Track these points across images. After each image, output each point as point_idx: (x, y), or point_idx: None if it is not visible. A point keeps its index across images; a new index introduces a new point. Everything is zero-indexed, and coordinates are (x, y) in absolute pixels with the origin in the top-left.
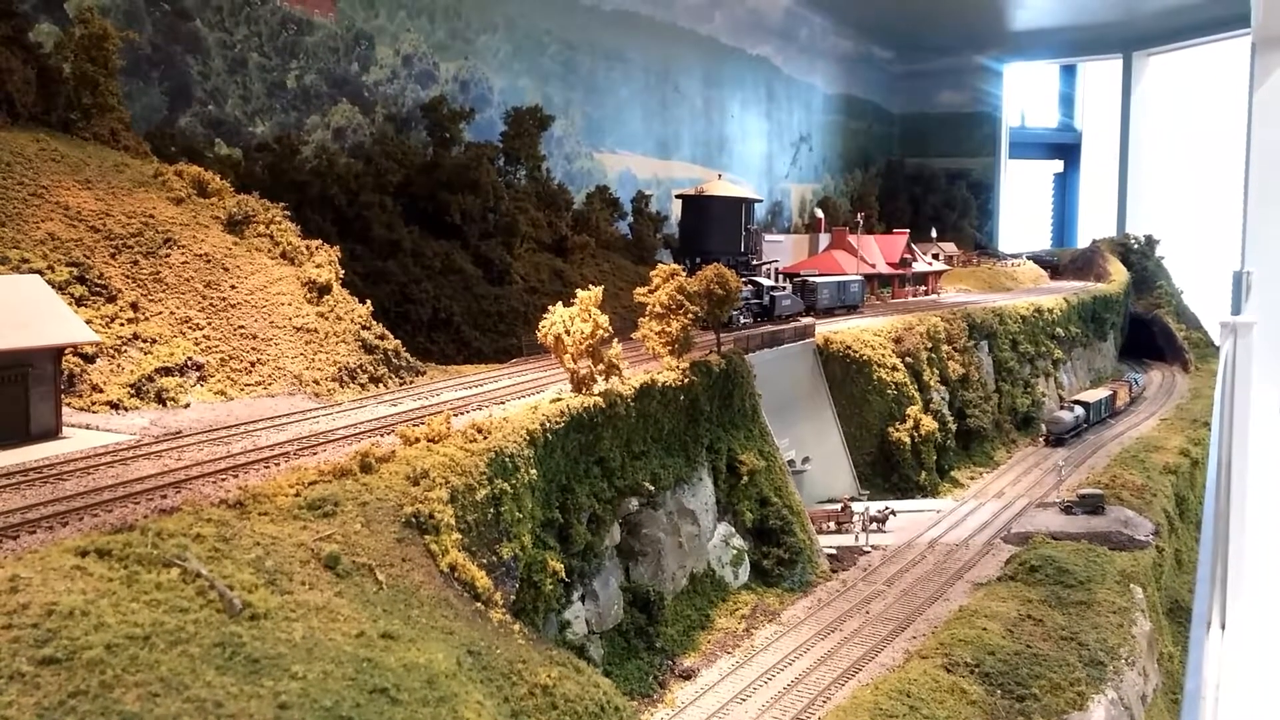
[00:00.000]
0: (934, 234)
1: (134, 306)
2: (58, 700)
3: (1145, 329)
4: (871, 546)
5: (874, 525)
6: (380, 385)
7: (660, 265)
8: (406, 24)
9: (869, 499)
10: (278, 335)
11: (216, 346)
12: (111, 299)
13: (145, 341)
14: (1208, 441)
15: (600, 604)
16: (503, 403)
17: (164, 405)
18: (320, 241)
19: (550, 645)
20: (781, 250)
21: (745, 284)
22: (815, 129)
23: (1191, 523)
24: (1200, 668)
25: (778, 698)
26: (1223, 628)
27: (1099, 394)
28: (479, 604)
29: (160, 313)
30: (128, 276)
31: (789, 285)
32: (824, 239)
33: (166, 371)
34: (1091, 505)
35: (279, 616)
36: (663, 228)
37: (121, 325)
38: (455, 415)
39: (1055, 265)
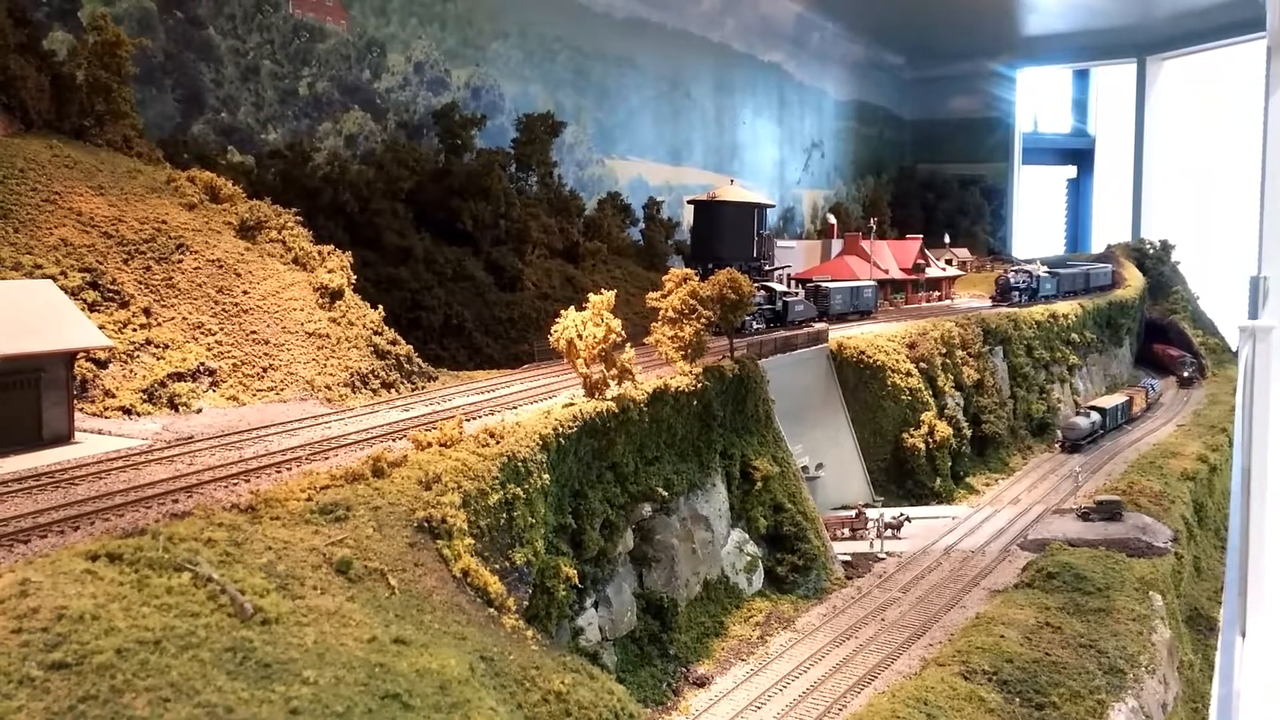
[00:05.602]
0: (947, 239)
1: (146, 312)
2: (68, 705)
3: (1161, 335)
4: (886, 553)
5: (889, 532)
6: (392, 391)
7: (673, 270)
8: (418, 31)
9: (883, 505)
10: (290, 341)
11: (229, 352)
12: (124, 304)
13: (158, 347)
14: (1226, 448)
15: (613, 610)
16: (515, 408)
17: (176, 411)
18: (332, 247)
19: (563, 652)
20: (794, 256)
21: (758, 289)
22: (827, 135)
23: (1210, 529)
24: (1231, 674)
25: (793, 705)
26: (1243, 635)
27: (1115, 400)
28: (492, 609)
29: (173, 318)
30: (140, 282)
31: (802, 291)
32: (836, 245)
33: (179, 377)
34: (1109, 512)
35: (290, 621)
36: (674, 234)
37: (134, 331)
38: (467, 420)
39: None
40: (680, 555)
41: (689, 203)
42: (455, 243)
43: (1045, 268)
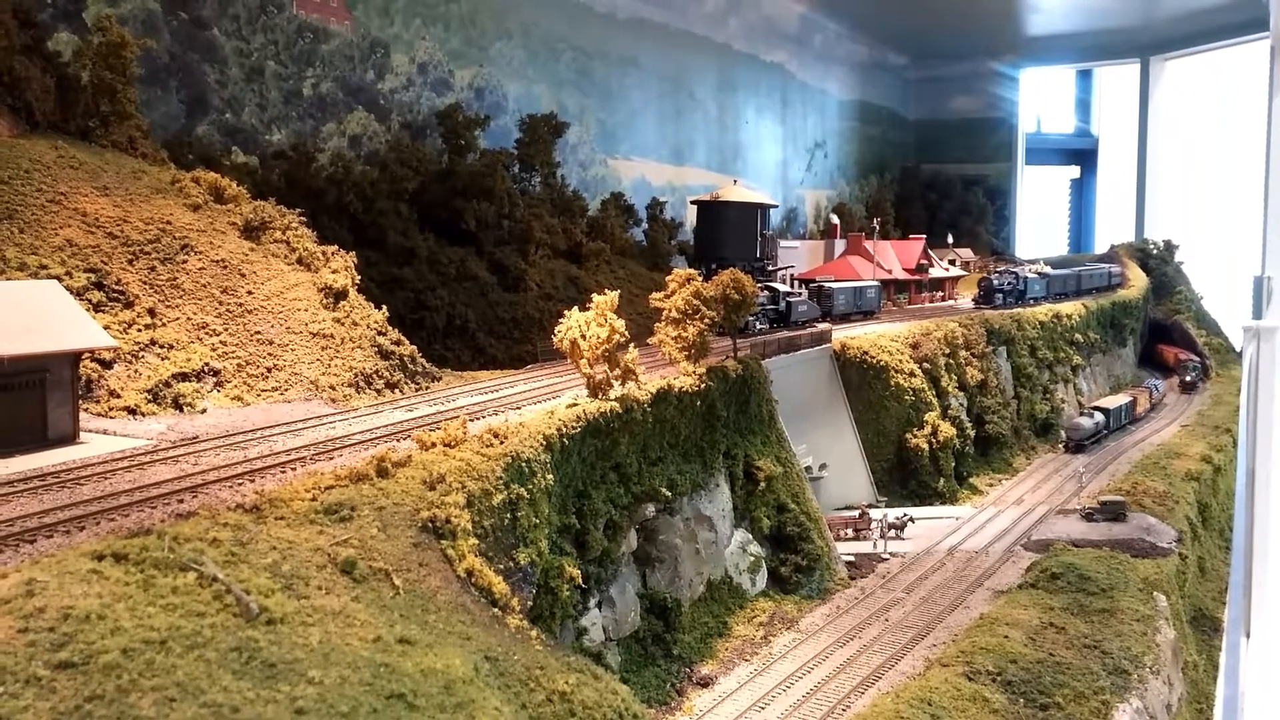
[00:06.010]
0: (950, 240)
1: (151, 312)
2: (74, 705)
3: (1165, 335)
4: (890, 554)
5: (892, 532)
6: (396, 391)
7: (676, 270)
8: (422, 32)
9: (887, 506)
10: (294, 341)
11: (233, 352)
12: (129, 305)
13: (162, 347)
14: (1230, 448)
15: (617, 611)
16: (519, 408)
17: (181, 411)
18: (336, 248)
19: (567, 652)
20: (797, 256)
21: (761, 290)
22: (830, 135)
23: (1214, 530)
24: (1236, 675)
25: (796, 706)
26: (1247, 636)
27: (1119, 400)
28: (496, 610)
29: (177, 319)
30: (145, 282)
31: (805, 291)
32: (839, 245)
33: (183, 377)
34: (1113, 512)
35: (295, 621)
36: (678, 234)
37: (139, 331)
38: (471, 420)
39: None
40: (684, 555)
41: (692, 203)
42: (459, 243)
43: (1039, 268)
